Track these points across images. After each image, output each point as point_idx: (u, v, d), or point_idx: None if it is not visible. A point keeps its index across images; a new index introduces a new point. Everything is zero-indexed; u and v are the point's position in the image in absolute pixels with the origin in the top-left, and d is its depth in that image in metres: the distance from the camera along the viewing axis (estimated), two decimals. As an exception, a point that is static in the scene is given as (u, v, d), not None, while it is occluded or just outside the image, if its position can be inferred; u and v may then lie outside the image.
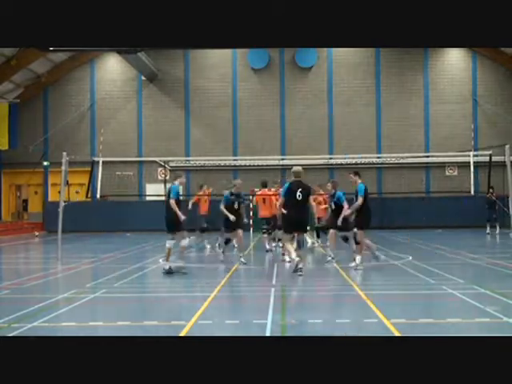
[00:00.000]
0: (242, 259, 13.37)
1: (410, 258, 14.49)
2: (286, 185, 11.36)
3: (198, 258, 15.92)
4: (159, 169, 31.54)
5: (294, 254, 10.99)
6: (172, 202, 11.77)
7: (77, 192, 31.72)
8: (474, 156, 27.00)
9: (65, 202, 16.03)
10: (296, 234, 11.34)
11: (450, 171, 30.93)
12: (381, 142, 31.17)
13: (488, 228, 24.25)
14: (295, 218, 11.09)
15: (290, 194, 11.07)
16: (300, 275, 10.85)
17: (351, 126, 31.16)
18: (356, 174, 12.71)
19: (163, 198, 28.11)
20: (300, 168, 11.47)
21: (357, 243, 12.47)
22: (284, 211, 11.41)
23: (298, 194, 11.01)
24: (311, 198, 11.63)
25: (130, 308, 8.56)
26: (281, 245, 18.08)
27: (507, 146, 15.84)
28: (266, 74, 31.59)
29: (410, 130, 31.12)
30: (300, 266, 10.93)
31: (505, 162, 15.85)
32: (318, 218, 16.22)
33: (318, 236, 16.88)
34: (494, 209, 24.00)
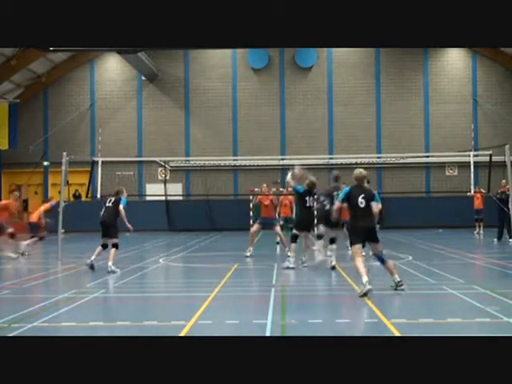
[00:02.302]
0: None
1: (410, 257, 14.48)
2: (346, 189, 9.49)
3: (198, 258, 15.91)
4: (159, 169, 31.56)
5: (365, 278, 8.74)
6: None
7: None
8: (474, 156, 26.96)
9: (65, 202, 16.04)
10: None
11: (450, 171, 30.94)
12: (381, 142, 31.18)
13: (478, 228, 24.36)
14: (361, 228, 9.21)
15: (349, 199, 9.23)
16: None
17: (351, 125, 31.18)
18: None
19: (163, 199, 28.02)
20: (363, 171, 9.40)
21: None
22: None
23: (360, 200, 9.17)
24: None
25: (130, 308, 8.56)
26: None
27: (507, 146, 15.84)
28: (266, 74, 31.60)
29: (410, 129, 31.14)
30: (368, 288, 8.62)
31: (505, 161, 15.86)
32: None
33: None
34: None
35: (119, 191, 13.25)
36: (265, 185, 17.23)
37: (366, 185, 9.59)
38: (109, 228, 12.79)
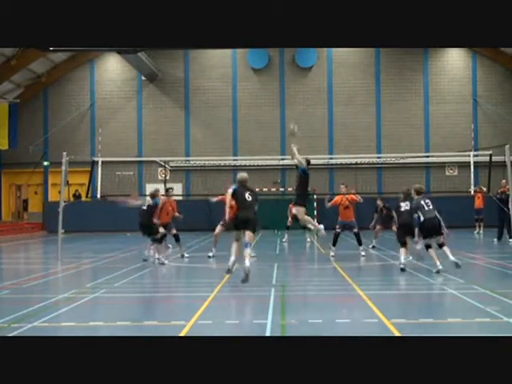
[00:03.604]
0: None
1: (410, 258, 14.48)
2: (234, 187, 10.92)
3: (198, 258, 15.90)
4: (159, 169, 31.56)
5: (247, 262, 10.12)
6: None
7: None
8: (474, 156, 26.92)
9: (65, 202, 16.03)
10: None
11: (450, 171, 30.94)
12: (381, 142, 31.18)
13: (478, 228, 24.41)
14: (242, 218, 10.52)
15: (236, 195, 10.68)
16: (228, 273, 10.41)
17: (351, 125, 31.17)
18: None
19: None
20: (244, 175, 11.02)
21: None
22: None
23: (247, 195, 10.58)
24: None
25: (130, 308, 8.56)
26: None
27: (507, 146, 15.82)
28: (266, 74, 31.60)
29: (410, 129, 31.14)
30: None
31: (505, 161, 15.84)
32: None
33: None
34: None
35: (155, 195, 14.02)
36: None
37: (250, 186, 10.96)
38: (145, 229, 13.93)
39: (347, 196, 15.16)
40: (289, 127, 13.71)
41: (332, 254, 14.79)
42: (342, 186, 15.74)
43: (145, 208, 14.00)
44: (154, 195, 14.09)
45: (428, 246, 11.82)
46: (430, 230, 11.69)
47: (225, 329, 6.70)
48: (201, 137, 31.60)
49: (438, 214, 11.83)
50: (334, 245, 14.92)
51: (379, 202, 17.21)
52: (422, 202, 11.89)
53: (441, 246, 11.75)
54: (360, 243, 15.03)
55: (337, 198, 15.40)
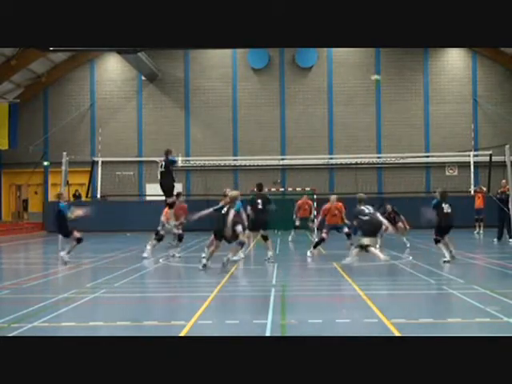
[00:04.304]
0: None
1: (410, 258, 14.49)
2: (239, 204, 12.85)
3: (198, 258, 15.89)
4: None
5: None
6: None
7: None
8: (474, 156, 27.01)
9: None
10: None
11: (450, 171, 30.94)
12: (381, 142, 31.18)
13: (478, 228, 24.48)
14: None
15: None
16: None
17: (351, 125, 31.17)
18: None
19: (163, 198, 28.15)
20: (234, 192, 13.15)
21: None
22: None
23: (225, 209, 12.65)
24: None
25: (130, 308, 8.56)
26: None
27: (507, 146, 15.86)
28: (266, 74, 31.60)
29: (410, 130, 31.14)
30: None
31: (505, 161, 15.87)
32: None
33: None
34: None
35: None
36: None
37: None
38: None
39: (335, 205, 15.57)
40: (373, 77, 14.97)
41: (309, 254, 15.31)
42: (334, 197, 16.02)
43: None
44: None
45: (366, 246, 12.22)
46: (370, 229, 12.29)
47: (225, 329, 6.70)
48: (201, 137, 31.60)
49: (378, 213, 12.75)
50: (314, 247, 15.35)
51: (388, 206, 17.40)
52: (362, 207, 12.48)
53: (362, 247, 12.22)
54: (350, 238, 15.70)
55: (326, 207, 15.71)
